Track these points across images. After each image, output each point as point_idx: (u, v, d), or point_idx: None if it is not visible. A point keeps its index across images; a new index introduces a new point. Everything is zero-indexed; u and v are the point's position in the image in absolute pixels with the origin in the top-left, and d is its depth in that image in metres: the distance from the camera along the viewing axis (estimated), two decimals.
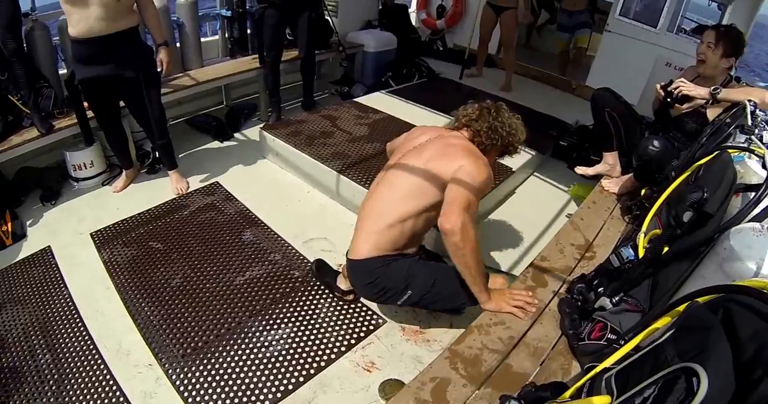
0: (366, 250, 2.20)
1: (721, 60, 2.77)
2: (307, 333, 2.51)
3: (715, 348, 0.88)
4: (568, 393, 1.18)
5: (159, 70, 3.32)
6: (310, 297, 2.74)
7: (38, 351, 2.35)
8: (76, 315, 2.54)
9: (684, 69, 3.18)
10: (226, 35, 5.18)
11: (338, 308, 2.68)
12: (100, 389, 2.17)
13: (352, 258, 2.27)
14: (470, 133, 2.31)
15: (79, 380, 2.21)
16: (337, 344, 2.46)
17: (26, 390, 2.17)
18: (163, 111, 3.46)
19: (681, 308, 1.12)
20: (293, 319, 2.58)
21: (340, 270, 2.77)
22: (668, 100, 2.78)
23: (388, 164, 2.40)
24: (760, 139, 2.22)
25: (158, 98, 3.39)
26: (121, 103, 3.42)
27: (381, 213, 2.19)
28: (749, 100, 2.38)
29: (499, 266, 3.06)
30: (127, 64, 3.09)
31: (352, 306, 2.69)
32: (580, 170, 3.53)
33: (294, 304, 2.68)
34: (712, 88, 2.59)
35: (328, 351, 2.41)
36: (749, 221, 1.54)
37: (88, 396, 2.13)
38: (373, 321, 2.61)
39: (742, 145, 2.11)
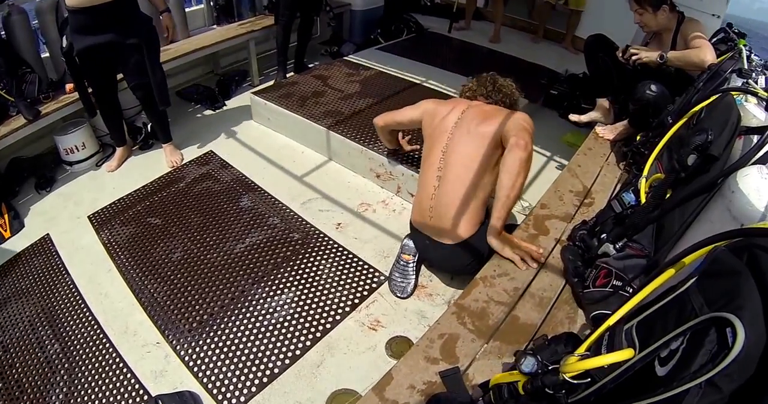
0: (460, 234, 2.27)
1: (657, 15, 2.81)
2: (311, 295, 2.51)
3: (746, 295, 0.82)
4: (584, 346, 1.15)
5: (165, 35, 3.31)
6: (311, 259, 2.73)
7: (46, 342, 2.34)
8: (80, 301, 2.52)
9: None
10: (211, 3, 5.06)
11: (340, 268, 2.68)
12: (110, 372, 2.17)
13: (447, 243, 2.33)
14: (484, 99, 2.49)
15: (89, 366, 2.21)
16: (341, 305, 2.47)
17: (38, 382, 2.15)
18: (164, 76, 3.39)
19: (699, 253, 1.07)
20: (296, 283, 2.58)
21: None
22: (628, 67, 2.90)
23: (437, 146, 2.36)
24: (756, 83, 2.22)
25: (160, 64, 3.33)
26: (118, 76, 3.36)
27: (462, 194, 2.24)
28: (744, 45, 2.45)
29: None
30: (129, 31, 3.02)
31: (353, 265, 2.70)
32: (574, 117, 3.51)
33: (296, 267, 2.68)
34: (658, 55, 2.69)
35: (332, 313, 2.42)
36: (753, 164, 1.52)
37: (99, 382, 2.14)
38: (375, 279, 2.61)
39: (743, 87, 2.11)
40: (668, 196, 1.81)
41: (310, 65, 5.05)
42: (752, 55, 2.67)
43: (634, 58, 2.79)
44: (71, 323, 2.42)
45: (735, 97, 2.02)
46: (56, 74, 3.70)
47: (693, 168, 1.74)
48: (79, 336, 2.35)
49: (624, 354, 0.99)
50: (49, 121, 3.40)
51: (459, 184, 2.24)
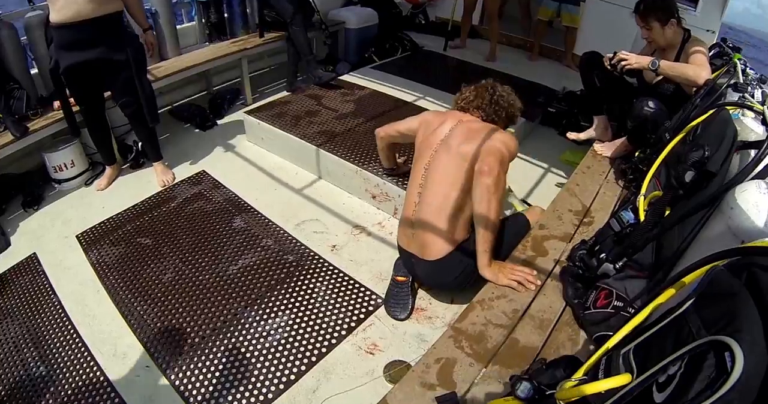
0: (442, 248, 2.24)
1: (664, 30, 2.77)
2: (306, 319, 2.45)
3: (744, 317, 0.80)
4: (582, 371, 1.12)
5: (148, 53, 3.30)
6: (306, 282, 2.68)
7: (32, 365, 2.27)
8: (67, 323, 2.46)
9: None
10: (203, 20, 5.02)
11: (335, 290, 2.63)
12: (98, 397, 2.09)
13: (429, 259, 2.29)
14: (479, 113, 2.43)
15: (76, 390, 2.13)
16: (337, 328, 2.41)
17: None
18: (153, 92, 3.37)
19: (698, 273, 1.03)
20: (290, 306, 2.53)
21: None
22: (615, 73, 2.84)
23: (421, 161, 2.35)
24: (752, 97, 2.21)
25: (148, 80, 3.32)
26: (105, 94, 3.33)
27: (441, 208, 2.22)
28: (739, 59, 2.41)
29: None
30: (115, 47, 3.00)
31: (349, 287, 2.65)
32: (572, 135, 3.50)
33: (290, 290, 2.62)
34: (650, 62, 2.63)
35: (328, 337, 2.36)
36: (752, 179, 1.50)
37: None
38: (372, 302, 2.56)
39: (738, 101, 2.10)
40: (667, 213, 1.78)
41: (303, 84, 5.02)
42: (747, 68, 2.67)
43: (623, 63, 2.72)
44: (58, 345, 2.35)
45: (732, 111, 2.01)
46: (46, 90, 3.65)
47: (691, 184, 1.72)
48: (65, 358, 2.28)
49: (621, 380, 0.97)
50: (38, 137, 3.34)
51: (437, 203, 2.22)
